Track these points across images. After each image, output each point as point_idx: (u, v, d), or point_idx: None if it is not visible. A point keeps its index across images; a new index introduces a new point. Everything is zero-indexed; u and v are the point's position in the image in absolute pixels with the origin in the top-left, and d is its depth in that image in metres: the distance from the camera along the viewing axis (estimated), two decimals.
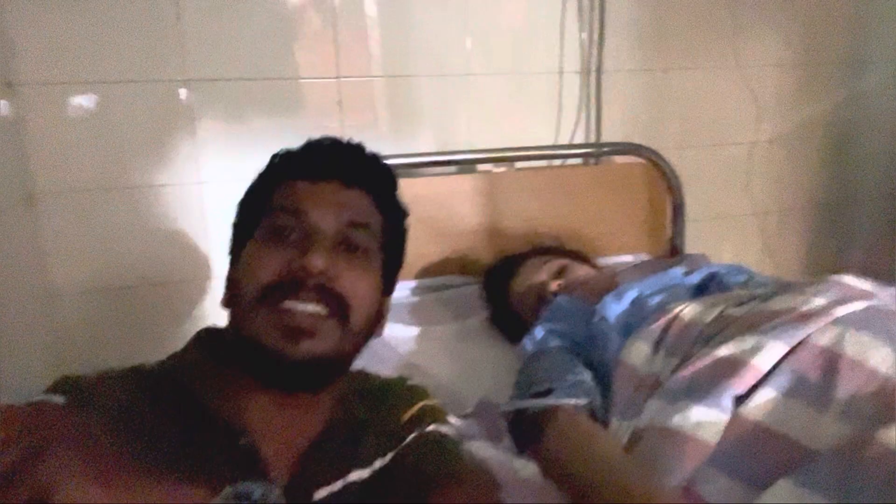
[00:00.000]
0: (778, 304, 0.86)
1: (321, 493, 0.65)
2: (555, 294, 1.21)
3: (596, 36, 1.75)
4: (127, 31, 1.40)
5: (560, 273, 1.26)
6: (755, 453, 0.74)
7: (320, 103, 1.58)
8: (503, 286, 1.34)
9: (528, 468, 0.82)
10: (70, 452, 0.56)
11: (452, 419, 0.93)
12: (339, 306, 0.68)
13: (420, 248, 1.57)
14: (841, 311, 0.80)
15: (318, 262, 0.66)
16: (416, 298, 1.51)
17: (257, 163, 1.50)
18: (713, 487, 0.75)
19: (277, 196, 0.73)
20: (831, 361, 0.75)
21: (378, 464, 0.71)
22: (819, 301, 0.83)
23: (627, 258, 1.73)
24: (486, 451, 0.87)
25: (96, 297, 1.47)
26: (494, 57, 1.69)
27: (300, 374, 0.67)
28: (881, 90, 2.06)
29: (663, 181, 1.75)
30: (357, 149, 0.77)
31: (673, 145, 1.87)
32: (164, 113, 1.46)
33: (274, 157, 0.79)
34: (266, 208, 0.73)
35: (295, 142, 1.51)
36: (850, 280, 0.90)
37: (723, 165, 1.98)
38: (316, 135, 1.52)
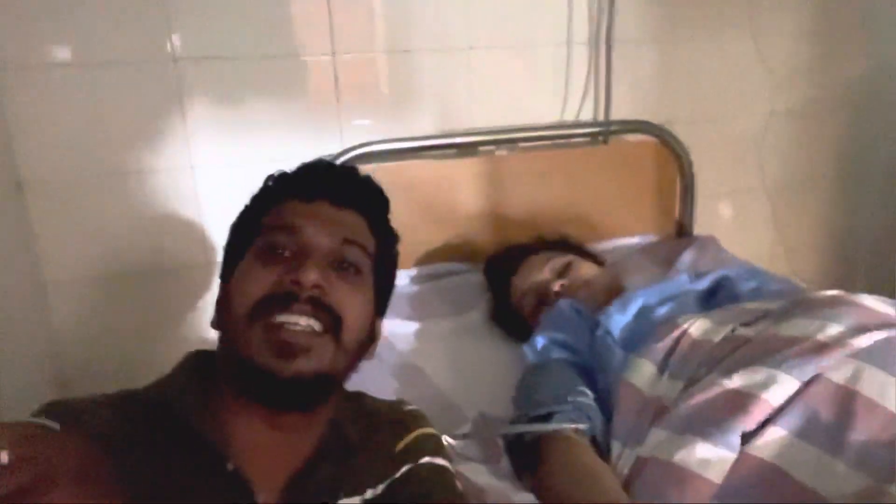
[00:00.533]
0: (791, 329, 0.81)
1: None
2: (557, 295, 1.17)
3: (606, 4, 1.66)
4: (112, 9, 1.32)
5: (563, 271, 1.21)
6: (763, 495, 0.71)
7: (315, 82, 1.51)
8: (504, 282, 1.29)
9: (526, 502, 0.79)
10: (72, 484, 0.56)
11: (449, 439, 0.91)
12: (332, 321, 0.68)
13: (419, 233, 1.53)
14: (858, 342, 0.76)
15: (311, 275, 0.66)
16: (415, 287, 1.47)
17: (250, 145, 1.47)
18: None
19: (271, 216, 0.74)
20: (846, 401, 0.71)
21: (369, 494, 0.70)
22: (835, 329, 0.79)
23: (634, 240, 1.68)
24: (483, 476, 0.84)
25: (89, 286, 1.44)
26: (499, 29, 1.60)
27: (292, 392, 0.66)
28: None
29: (674, 160, 1.68)
30: (351, 171, 0.78)
31: (684, 119, 1.80)
32: (153, 94, 1.39)
33: (267, 179, 0.79)
34: (259, 228, 0.73)
35: (289, 123, 1.48)
36: (868, 301, 0.85)
37: (735, 139, 1.91)
38: (310, 115, 1.47)
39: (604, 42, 1.68)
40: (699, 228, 1.76)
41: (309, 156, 1.48)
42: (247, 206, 0.79)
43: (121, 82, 1.36)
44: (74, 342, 1.44)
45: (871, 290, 2.02)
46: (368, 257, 0.74)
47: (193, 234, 1.49)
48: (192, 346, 1.47)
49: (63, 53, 1.32)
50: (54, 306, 1.42)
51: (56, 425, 0.61)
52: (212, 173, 1.47)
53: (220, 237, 1.50)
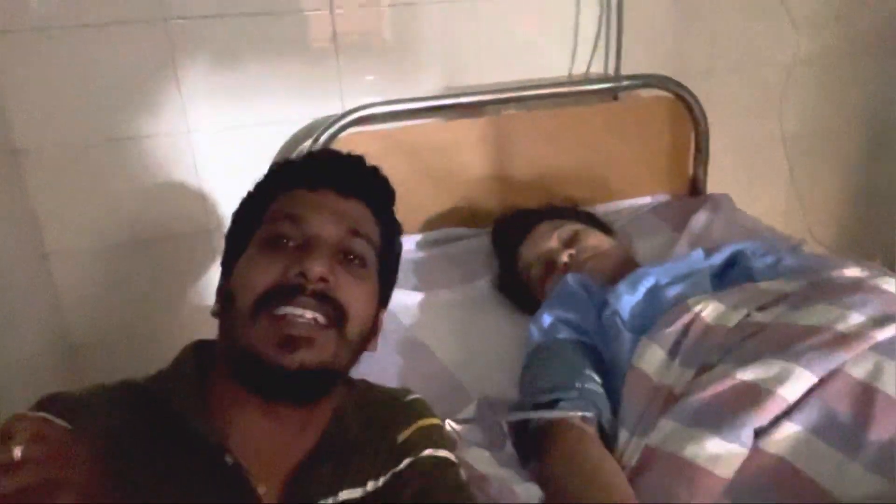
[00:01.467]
0: (810, 317, 0.78)
1: None
2: (565, 266, 1.13)
3: None
4: None
5: (571, 241, 1.17)
6: (776, 493, 0.69)
7: (313, 39, 1.44)
8: (511, 251, 1.26)
9: (530, 493, 0.77)
10: (76, 488, 0.55)
11: (453, 424, 0.89)
12: (336, 315, 0.67)
13: (424, 198, 1.49)
14: (880, 334, 0.72)
15: (317, 267, 0.65)
16: (421, 254, 1.44)
17: (248, 108, 1.42)
18: None
19: (276, 205, 0.73)
20: (866, 398, 0.69)
21: (371, 486, 0.69)
22: (856, 318, 0.75)
23: (646, 200, 1.64)
24: (487, 464, 0.83)
25: (91, 254, 1.42)
26: None
27: (295, 385, 0.65)
28: None
29: (688, 116, 1.62)
30: (357, 160, 0.77)
31: (700, 71, 1.72)
32: (147, 56, 1.34)
33: (272, 167, 0.79)
34: (264, 217, 0.72)
35: (287, 84, 1.42)
36: (892, 287, 0.81)
37: (754, 91, 1.82)
38: (308, 75, 1.41)
39: None
40: (713, 185, 1.70)
41: (309, 117, 1.48)
42: (249, 195, 0.78)
43: (113, 44, 1.31)
44: (79, 311, 1.44)
45: (889, 251, 1.99)
46: (374, 249, 0.74)
47: (192, 199, 1.47)
48: (195, 311, 1.49)
49: (52, 15, 1.26)
50: (57, 275, 1.41)
51: (62, 422, 0.60)
52: (209, 138, 1.43)
53: (219, 202, 1.50)
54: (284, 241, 0.69)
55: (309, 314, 0.65)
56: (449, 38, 1.52)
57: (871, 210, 2.06)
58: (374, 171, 0.78)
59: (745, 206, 1.61)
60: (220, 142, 1.44)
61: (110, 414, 0.65)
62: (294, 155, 1.42)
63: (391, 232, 0.79)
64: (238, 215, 0.77)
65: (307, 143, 1.42)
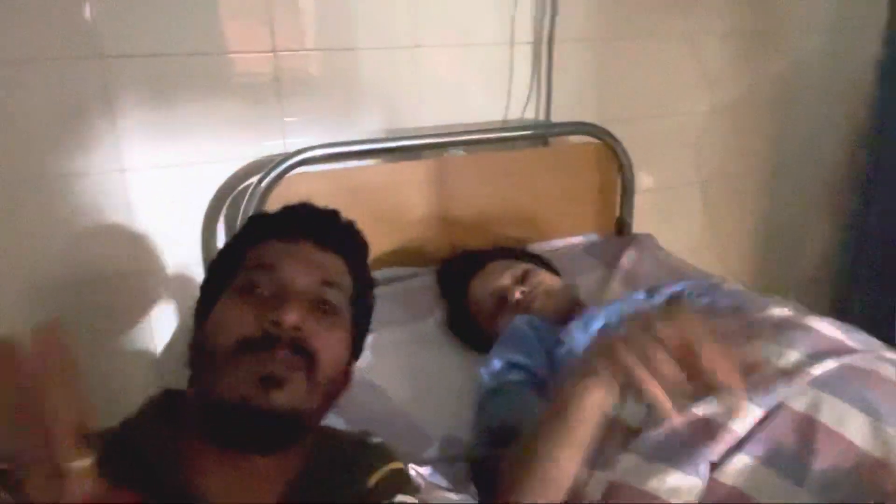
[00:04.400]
0: (752, 354, 0.85)
1: None
2: (518, 303, 1.17)
3: (548, 4, 1.66)
4: (31, 3, 1.22)
5: (524, 279, 1.22)
6: None
7: (255, 81, 1.44)
8: (461, 288, 1.29)
9: None
10: None
11: (417, 468, 0.90)
12: (307, 360, 0.68)
13: (369, 239, 1.49)
14: (816, 370, 0.80)
15: (292, 316, 0.66)
16: None
17: (185, 148, 1.39)
18: None
19: (251, 255, 0.74)
20: (808, 429, 0.76)
21: None
22: (793, 355, 0.83)
23: (578, 239, 1.72)
24: None
25: (16, 297, 1.34)
26: (445, 27, 1.58)
27: (268, 427, 0.66)
28: (820, 57, 2.06)
29: (614, 160, 1.72)
30: (332, 214, 0.80)
31: (624, 118, 1.83)
32: (79, 94, 1.30)
33: (249, 219, 0.81)
34: (239, 267, 0.73)
35: (228, 124, 1.40)
36: (817, 325, 0.90)
37: (673, 136, 1.96)
38: (249, 116, 1.41)
39: (546, 42, 1.68)
40: (638, 224, 1.81)
41: (249, 157, 1.46)
42: (227, 245, 0.79)
43: (44, 81, 1.26)
44: None
45: (792, 278, 2.16)
46: (346, 298, 0.75)
47: (125, 239, 1.41)
48: (126, 357, 1.42)
49: None
50: None
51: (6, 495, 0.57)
52: (145, 176, 1.39)
53: (154, 242, 1.45)
54: (259, 289, 0.70)
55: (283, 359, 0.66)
56: (389, 82, 1.56)
57: (777, 246, 2.24)
58: (350, 225, 0.80)
59: (665, 243, 1.72)
60: (155, 181, 1.40)
61: None
62: (244, 196, 1.40)
63: (365, 285, 0.81)
64: (214, 265, 0.78)
65: (252, 181, 1.41)
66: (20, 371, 0.44)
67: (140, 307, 1.44)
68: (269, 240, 0.74)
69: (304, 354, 0.67)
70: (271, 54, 1.43)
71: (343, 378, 0.76)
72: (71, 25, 1.26)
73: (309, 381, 0.68)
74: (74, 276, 1.38)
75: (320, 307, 0.71)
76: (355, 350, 0.79)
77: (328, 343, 0.70)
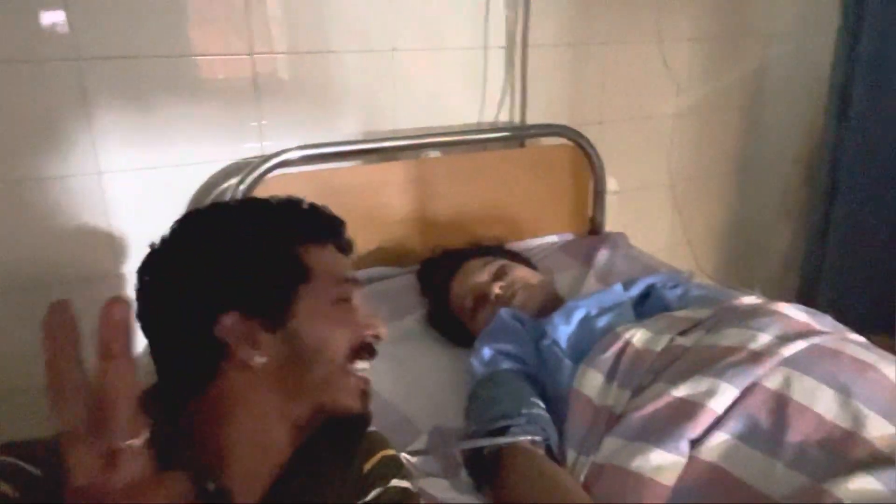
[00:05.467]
0: (725, 339, 0.89)
1: None
2: (497, 297, 1.20)
3: (521, 10, 1.70)
4: (7, 4, 1.21)
5: (501, 275, 1.25)
6: (711, 495, 0.77)
7: (232, 83, 1.45)
8: (442, 285, 1.31)
9: None
10: None
11: (408, 456, 0.92)
12: None
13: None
14: (786, 351, 0.84)
15: (385, 330, 0.76)
16: None
17: (163, 150, 1.39)
18: None
19: (316, 258, 0.75)
20: (781, 406, 0.79)
21: None
22: (765, 338, 0.87)
23: (553, 239, 1.75)
24: (445, 491, 0.86)
25: None
26: (422, 31, 1.60)
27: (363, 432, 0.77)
28: (786, 62, 2.14)
29: (586, 161, 1.76)
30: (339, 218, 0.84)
31: (595, 120, 1.88)
32: (55, 95, 1.29)
33: (288, 211, 0.79)
34: (311, 270, 0.73)
35: (205, 126, 1.41)
36: (786, 310, 0.94)
37: (643, 138, 2.01)
38: (227, 118, 1.41)
39: (519, 47, 1.72)
40: (610, 223, 1.86)
41: (227, 159, 1.47)
42: (265, 239, 0.74)
43: (19, 83, 1.25)
44: None
45: (759, 275, 2.23)
46: None
47: (103, 243, 1.41)
48: None
49: None
50: None
51: (32, 468, 0.58)
52: (122, 179, 1.39)
53: (130, 245, 1.44)
54: (350, 302, 0.75)
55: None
56: (366, 85, 1.58)
57: (744, 245, 2.31)
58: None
59: (636, 241, 1.77)
60: (132, 183, 1.40)
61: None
62: (227, 196, 1.41)
63: None
64: (259, 260, 0.73)
65: (231, 183, 1.41)
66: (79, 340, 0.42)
67: None
68: (322, 242, 0.77)
69: None
70: (248, 57, 1.44)
71: None
72: (47, 27, 1.25)
73: None
74: (52, 279, 1.36)
75: None
76: None
77: None
